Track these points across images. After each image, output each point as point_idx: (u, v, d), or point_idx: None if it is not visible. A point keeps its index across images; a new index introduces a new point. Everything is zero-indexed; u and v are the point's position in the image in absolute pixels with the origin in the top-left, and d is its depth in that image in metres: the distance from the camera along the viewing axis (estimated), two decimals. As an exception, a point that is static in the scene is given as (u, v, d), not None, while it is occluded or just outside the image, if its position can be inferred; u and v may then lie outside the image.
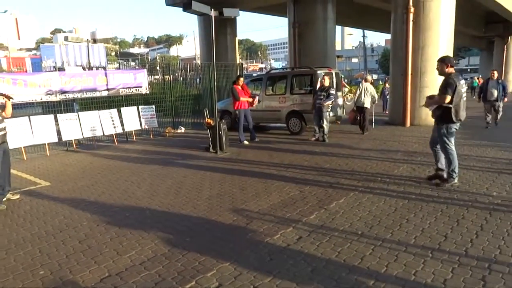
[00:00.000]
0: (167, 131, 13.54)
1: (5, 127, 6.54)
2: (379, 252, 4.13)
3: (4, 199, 6.54)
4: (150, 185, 7.20)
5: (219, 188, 6.79)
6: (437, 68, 6.29)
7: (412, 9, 13.55)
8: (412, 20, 13.58)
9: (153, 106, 13.55)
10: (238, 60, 22.15)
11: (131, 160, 9.60)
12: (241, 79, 11.30)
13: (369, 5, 25.19)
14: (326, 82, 11.13)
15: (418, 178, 6.91)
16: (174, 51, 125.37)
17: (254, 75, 13.49)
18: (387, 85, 18.95)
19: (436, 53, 12.96)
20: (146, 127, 13.21)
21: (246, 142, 11.05)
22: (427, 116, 12.97)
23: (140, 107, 13.12)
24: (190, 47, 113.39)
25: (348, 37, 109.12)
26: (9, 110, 6.67)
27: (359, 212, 5.33)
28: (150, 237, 4.80)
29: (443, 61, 6.17)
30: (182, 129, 14.32)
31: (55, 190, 7.20)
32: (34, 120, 10.94)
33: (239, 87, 11.18)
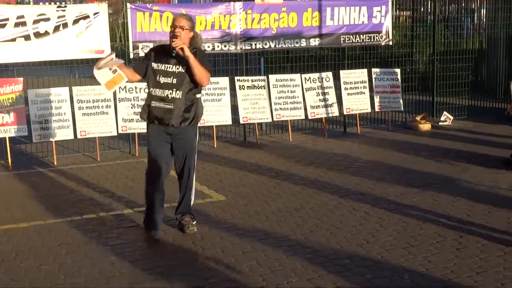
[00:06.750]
0: (419, 119, 7.24)
1: None
2: None
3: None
4: None
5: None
6: None
7: None
8: None
9: (398, 71, 7.42)
10: None
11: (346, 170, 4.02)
12: None
13: None
14: None
15: None
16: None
17: None
18: None
19: None
20: (382, 109, 7.32)
21: None
22: None
23: (374, 70, 7.24)
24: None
25: None
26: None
27: None
28: None
29: None
30: (447, 119, 7.63)
31: None
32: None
33: None
